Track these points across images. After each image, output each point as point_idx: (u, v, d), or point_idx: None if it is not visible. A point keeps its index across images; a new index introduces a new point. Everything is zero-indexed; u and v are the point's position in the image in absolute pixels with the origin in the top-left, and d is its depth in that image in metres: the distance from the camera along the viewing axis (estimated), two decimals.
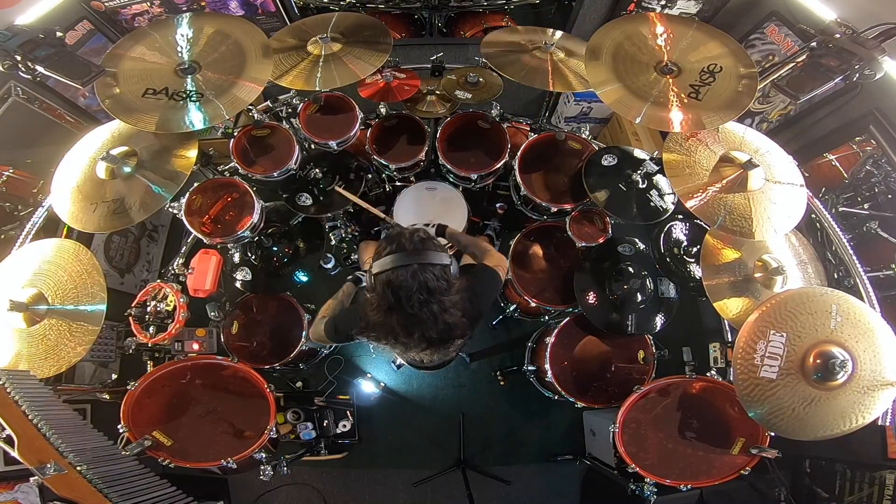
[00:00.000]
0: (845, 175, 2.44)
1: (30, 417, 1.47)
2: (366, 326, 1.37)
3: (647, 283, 2.21)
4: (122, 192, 1.91)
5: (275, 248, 2.29)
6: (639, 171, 2.13)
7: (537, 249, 2.51)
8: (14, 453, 1.40)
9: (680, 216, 2.26)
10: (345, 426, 2.66)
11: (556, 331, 2.31)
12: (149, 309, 2.00)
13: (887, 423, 1.89)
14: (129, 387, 1.90)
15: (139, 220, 1.91)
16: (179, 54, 1.97)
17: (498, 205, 2.58)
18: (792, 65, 1.95)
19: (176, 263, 2.15)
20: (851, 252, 2.14)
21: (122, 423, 1.84)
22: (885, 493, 1.89)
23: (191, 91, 1.90)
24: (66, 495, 1.41)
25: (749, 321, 1.69)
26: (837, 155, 2.47)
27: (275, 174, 2.19)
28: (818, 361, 1.60)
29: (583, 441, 2.78)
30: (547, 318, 2.68)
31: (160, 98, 1.88)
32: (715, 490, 1.98)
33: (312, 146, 2.33)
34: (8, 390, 1.48)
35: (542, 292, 2.39)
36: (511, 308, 2.68)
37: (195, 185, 2.09)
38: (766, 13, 2.70)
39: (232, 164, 2.22)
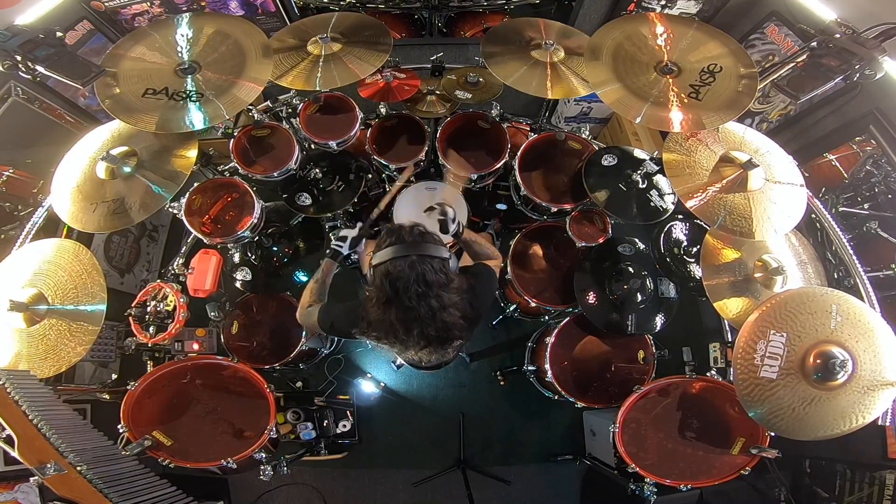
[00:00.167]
0: (845, 175, 2.44)
1: (30, 417, 1.47)
2: (367, 326, 1.37)
3: (647, 283, 2.21)
4: (122, 192, 1.91)
5: (275, 248, 2.29)
6: (639, 171, 2.13)
7: (537, 249, 2.51)
8: (14, 453, 1.40)
9: (680, 216, 2.26)
10: (345, 426, 2.66)
11: (556, 331, 2.31)
12: (149, 309, 2.00)
13: (887, 423, 1.89)
14: (129, 387, 1.90)
15: (139, 220, 1.91)
16: (179, 54, 1.97)
17: (498, 205, 2.58)
18: (792, 65, 1.95)
19: (176, 263, 2.15)
20: (851, 252, 2.14)
21: (122, 423, 1.84)
22: (885, 493, 1.89)
23: (191, 91, 1.90)
24: (66, 495, 1.41)
25: (749, 321, 1.69)
26: (837, 155, 2.47)
27: (275, 174, 2.19)
28: (818, 361, 1.60)
29: (583, 441, 2.78)
30: (547, 318, 2.68)
31: (160, 98, 1.88)
32: (715, 490, 1.98)
33: (312, 146, 2.33)
34: (8, 390, 1.48)
35: (542, 292, 2.39)
36: (511, 308, 2.68)
37: (195, 185, 2.09)
38: (766, 13, 2.70)
39: (232, 164, 2.21)
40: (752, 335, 1.66)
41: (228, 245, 2.21)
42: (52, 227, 2.17)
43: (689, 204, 1.89)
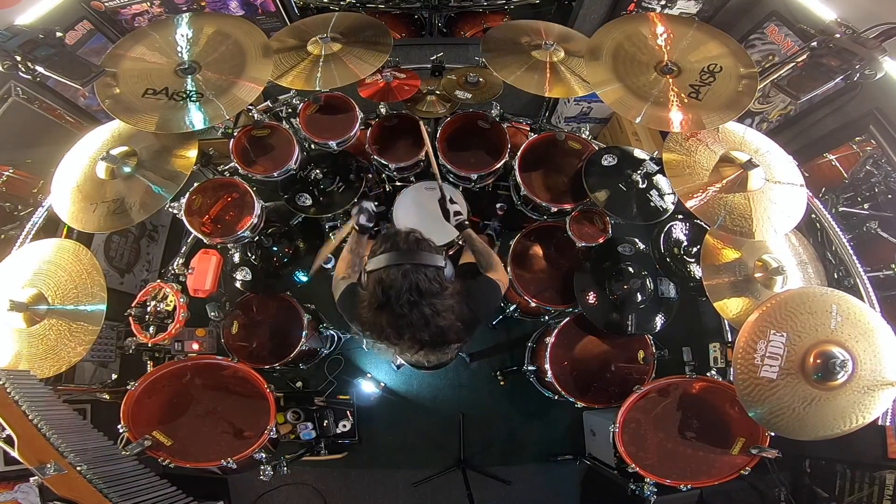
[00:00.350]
0: (845, 175, 2.45)
1: (30, 417, 1.47)
2: (360, 324, 1.37)
3: (647, 283, 2.21)
4: (122, 192, 1.91)
5: (275, 248, 2.29)
6: (639, 171, 2.13)
7: (537, 249, 2.51)
8: (14, 453, 1.40)
9: (680, 216, 2.26)
10: (345, 426, 2.66)
11: (556, 331, 2.31)
12: (149, 309, 1.99)
13: (887, 423, 1.89)
14: (129, 387, 1.90)
15: (139, 220, 1.91)
16: (179, 54, 1.97)
17: (498, 205, 2.58)
18: (792, 65, 1.95)
19: (176, 263, 2.15)
20: (851, 252, 2.14)
21: (122, 423, 1.84)
22: (885, 493, 1.89)
23: (191, 91, 1.90)
24: (66, 495, 1.41)
25: (749, 321, 1.69)
26: (837, 155, 2.47)
27: (275, 174, 2.19)
28: (818, 361, 1.60)
29: (583, 441, 2.78)
30: (547, 318, 2.68)
31: (160, 98, 1.88)
32: (715, 490, 1.98)
33: (312, 146, 2.33)
34: (8, 390, 1.48)
35: (542, 292, 2.39)
36: (511, 308, 2.68)
37: (195, 185, 2.09)
38: (766, 13, 2.70)
39: (232, 164, 2.21)
40: (752, 335, 1.66)
41: (228, 245, 2.21)
42: (52, 227, 2.17)
43: (689, 204, 1.89)
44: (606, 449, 2.31)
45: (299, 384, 2.80)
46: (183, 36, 2.01)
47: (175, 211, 2.00)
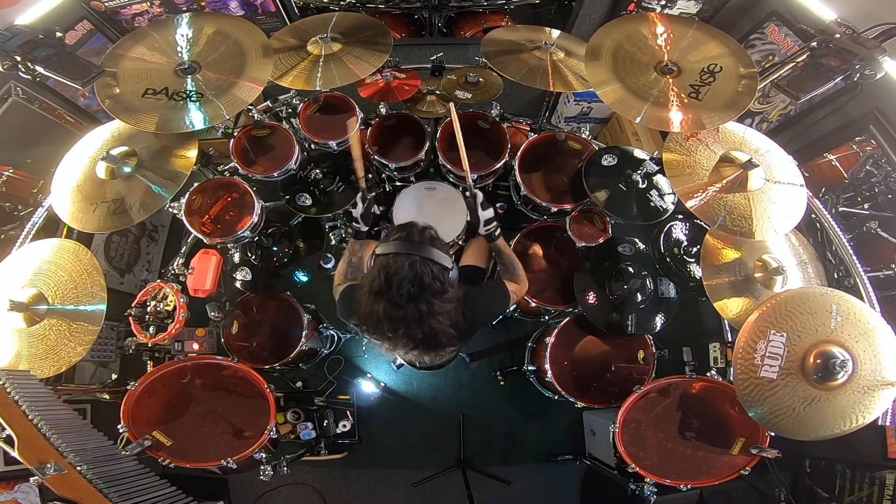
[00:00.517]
0: (845, 175, 2.44)
1: (30, 417, 1.47)
2: (354, 311, 1.36)
3: (647, 283, 2.21)
4: (122, 192, 1.91)
5: (275, 248, 2.29)
6: (639, 171, 2.13)
7: (537, 249, 2.51)
8: (14, 453, 1.40)
9: (680, 216, 2.26)
10: (345, 426, 2.66)
11: (556, 331, 2.31)
12: (149, 309, 1.99)
13: (887, 423, 1.89)
14: (129, 387, 1.90)
15: (139, 220, 1.91)
16: (179, 54, 1.97)
17: (498, 205, 2.58)
18: (792, 65, 1.95)
19: (176, 263, 2.15)
20: (851, 252, 2.14)
21: (122, 423, 1.84)
22: (885, 493, 1.89)
23: (191, 91, 1.90)
24: (66, 495, 1.41)
25: (749, 321, 1.69)
26: (837, 155, 2.47)
27: (275, 174, 2.19)
28: (818, 361, 1.60)
29: (583, 441, 2.78)
30: (547, 318, 2.68)
31: (160, 98, 1.88)
32: (715, 490, 1.98)
33: (312, 146, 2.33)
34: (8, 390, 1.48)
35: (542, 292, 2.39)
36: (511, 308, 2.67)
37: (195, 185, 2.09)
38: (766, 13, 2.70)
39: (232, 164, 2.21)
40: (752, 335, 1.66)
41: (228, 245, 2.21)
42: (52, 227, 2.17)
43: (689, 204, 1.89)
44: (606, 449, 2.31)
45: (299, 384, 2.80)
46: (183, 36, 2.01)
47: (175, 211, 2.00)
